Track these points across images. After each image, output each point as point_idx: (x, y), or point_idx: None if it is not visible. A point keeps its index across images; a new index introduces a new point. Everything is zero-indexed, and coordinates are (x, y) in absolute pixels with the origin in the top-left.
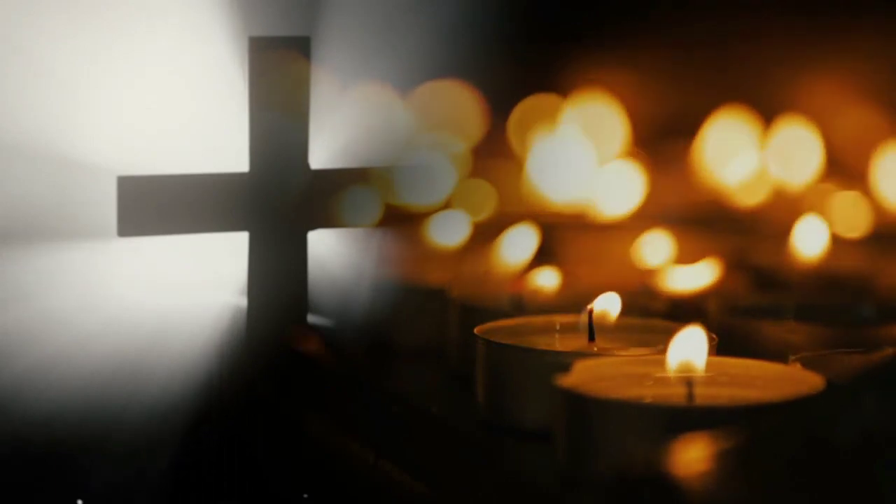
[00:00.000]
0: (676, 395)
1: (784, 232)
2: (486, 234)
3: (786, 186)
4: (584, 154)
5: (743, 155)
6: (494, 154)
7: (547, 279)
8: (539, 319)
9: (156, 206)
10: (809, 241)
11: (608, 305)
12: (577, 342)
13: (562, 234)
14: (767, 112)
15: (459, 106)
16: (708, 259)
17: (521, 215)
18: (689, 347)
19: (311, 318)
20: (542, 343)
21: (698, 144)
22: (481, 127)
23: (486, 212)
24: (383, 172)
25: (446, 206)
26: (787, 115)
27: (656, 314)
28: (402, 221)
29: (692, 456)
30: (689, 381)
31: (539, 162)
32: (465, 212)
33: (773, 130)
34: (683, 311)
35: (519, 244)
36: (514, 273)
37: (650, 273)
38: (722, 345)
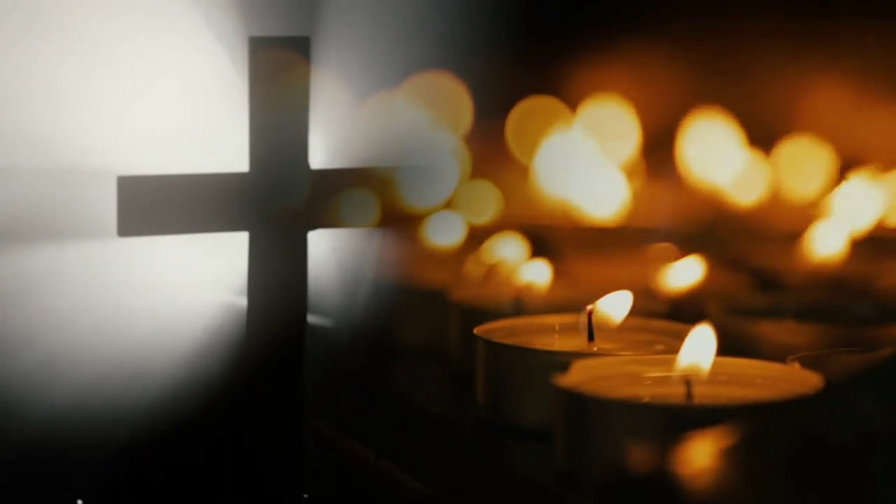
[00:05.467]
0: (675, 394)
1: (784, 233)
2: (486, 234)
3: (787, 188)
4: (586, 156)
5: (739, 156)
6: (495, 155)
7: (546, 279)
8: (539, 319)
9: (156, 206)
10: (826, 243)
11: (618, 304)
12: (577, 342)
13: (562, 235)
14: (770, 112)
15: (452, 99)
16: (708, 259)
17: (521, 216)
18: (700, 348)
19: (311, 318)
20: (541, 343)
21: (696, 145)
22: (476, 124)
23: (488, 215)
24: (384, 173)
25: (446, 206)
26: (793, 117)
27: (657, 314)
28: (402, 222)
29: (691, 455)
30: (688, 381)
31: (541, 163)
32: (465, 215)
33: (778, 132)
34: (683, 311)
35: (517, 244)
36: (514, 274)
37: (650, 273)
38: (722, 345)
